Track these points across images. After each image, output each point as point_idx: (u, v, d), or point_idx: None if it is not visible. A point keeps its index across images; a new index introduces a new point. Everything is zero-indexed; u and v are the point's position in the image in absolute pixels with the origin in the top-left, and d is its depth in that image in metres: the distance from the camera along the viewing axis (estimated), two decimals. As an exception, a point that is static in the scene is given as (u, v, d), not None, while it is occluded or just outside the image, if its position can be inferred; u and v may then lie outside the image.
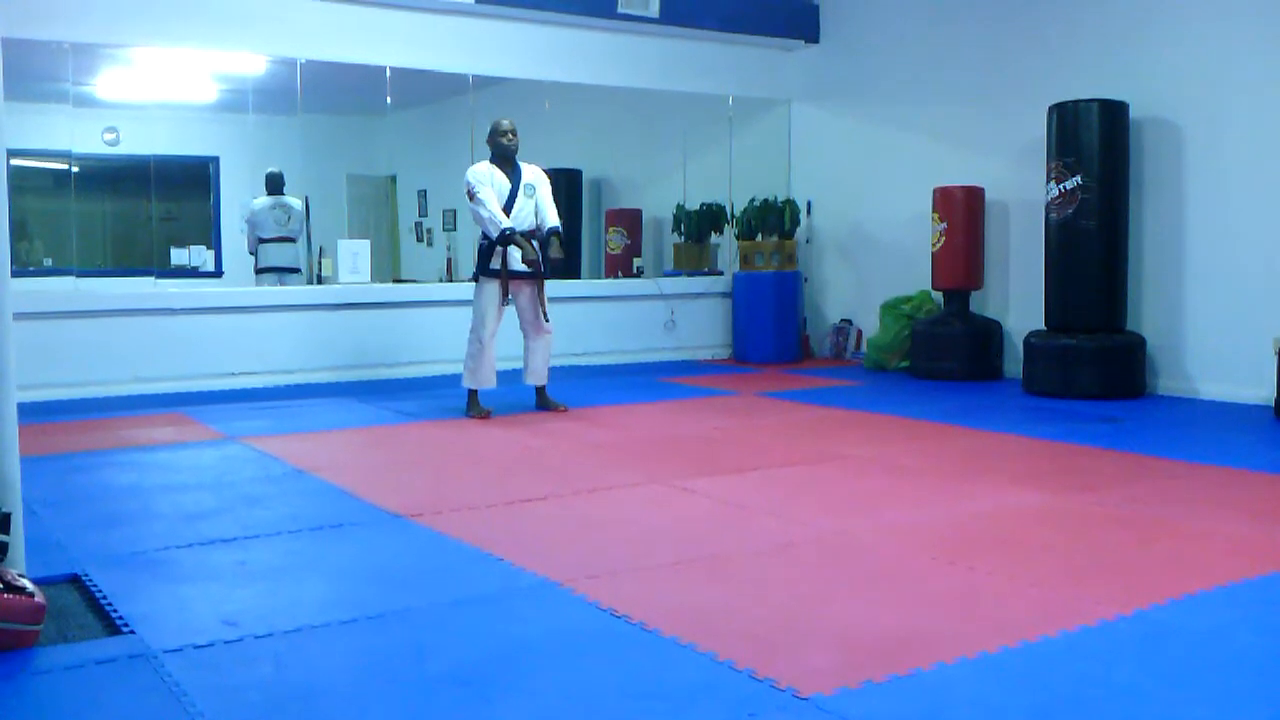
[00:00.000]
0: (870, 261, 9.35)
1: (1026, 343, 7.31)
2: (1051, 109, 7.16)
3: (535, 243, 6.34)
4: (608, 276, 10.35)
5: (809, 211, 9.81)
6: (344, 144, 11.02)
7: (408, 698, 2.36)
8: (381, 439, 5.85)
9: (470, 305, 6.53)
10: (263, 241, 9.44)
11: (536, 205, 6.43)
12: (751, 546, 3.55)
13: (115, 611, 2.92)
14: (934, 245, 8.13)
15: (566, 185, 9.77)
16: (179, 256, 10.45)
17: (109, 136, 10.27)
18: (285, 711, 2.30)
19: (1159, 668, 2.50)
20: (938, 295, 8.42)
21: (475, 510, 4.11)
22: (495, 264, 6.34)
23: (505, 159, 6.40)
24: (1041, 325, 7.35)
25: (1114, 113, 6.98)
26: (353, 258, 8.16)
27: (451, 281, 10.33)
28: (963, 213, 8.01)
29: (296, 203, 9.49)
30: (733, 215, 9.78)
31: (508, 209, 6.30)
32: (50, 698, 2.42)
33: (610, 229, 10.69)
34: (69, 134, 8.08)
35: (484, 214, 6.24)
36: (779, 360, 9.21)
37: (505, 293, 6.37)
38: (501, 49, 8.49)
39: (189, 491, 4.47)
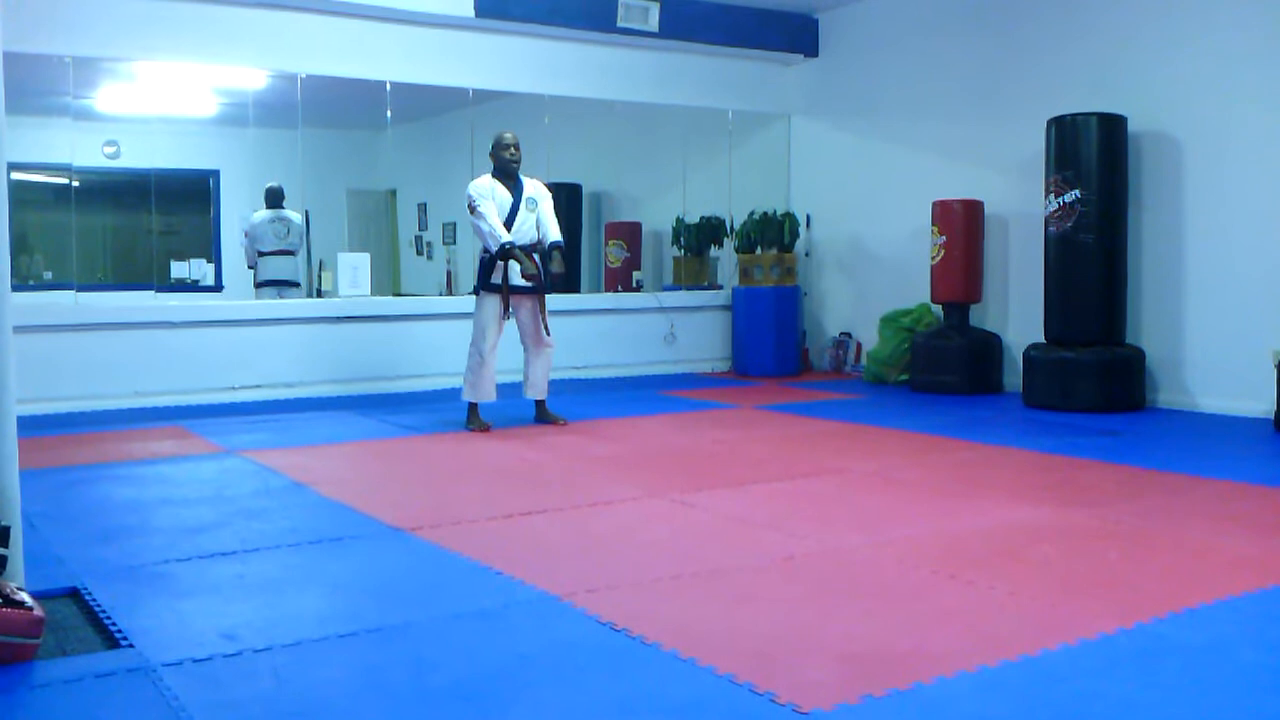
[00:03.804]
0: (869, 275, 9.36)
1: (1026, 356, 7.32)
2: (1050, 123, 7.18)
3: (536, 257, 6.36)
4: (607, 290, 10.36)
5: (808, 225, 9.83)
6: (344, 158, 11.05)
7: (407, 712, 2.36)
8: (381, 452, 5.85)
9: (470, 318, 6.54)
10: (262, 255, 9.46)
11: (538, 220, 6.45)
12: (751, 561, 3.55)
13: (114, 625, 2.91)
14: (933, 258, 8.15)
15: (566, 199, 9.79)
16: (179, 270, 10.47)
17: (109, 150, 10.29)
18: (284, 726, 2.30)
19: (1158, 682, 2.49)
20: (937, 308, 8.43)
21: (475, 524, 4.10)
22: (496, 278, 6.35)
23: (507, 173, 6.42)
24: (1041, 338, 7.35)
25: (1112, 126, 7.00)
26: (353, 271, 8.17)
27: (451, 295, 10.34)
28: (962, 226, 8.03)
29: (296, 216, 9.51)
30: (732, 229, 9.80)
31: (509, 223, 6.31)
32: (49, 711, 2.42)
33: (610, 242, 10.70)
34: (69, 147, 8.10)
35: (485, 228, 6.25)
36: (779, 373, 9.22)
37: (506, 307, 6.38)
38: (501, 63, 8.52)
39: (188, 505, 4.46)
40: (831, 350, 9.69)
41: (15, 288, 3.07)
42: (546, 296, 6.57)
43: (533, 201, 6.44)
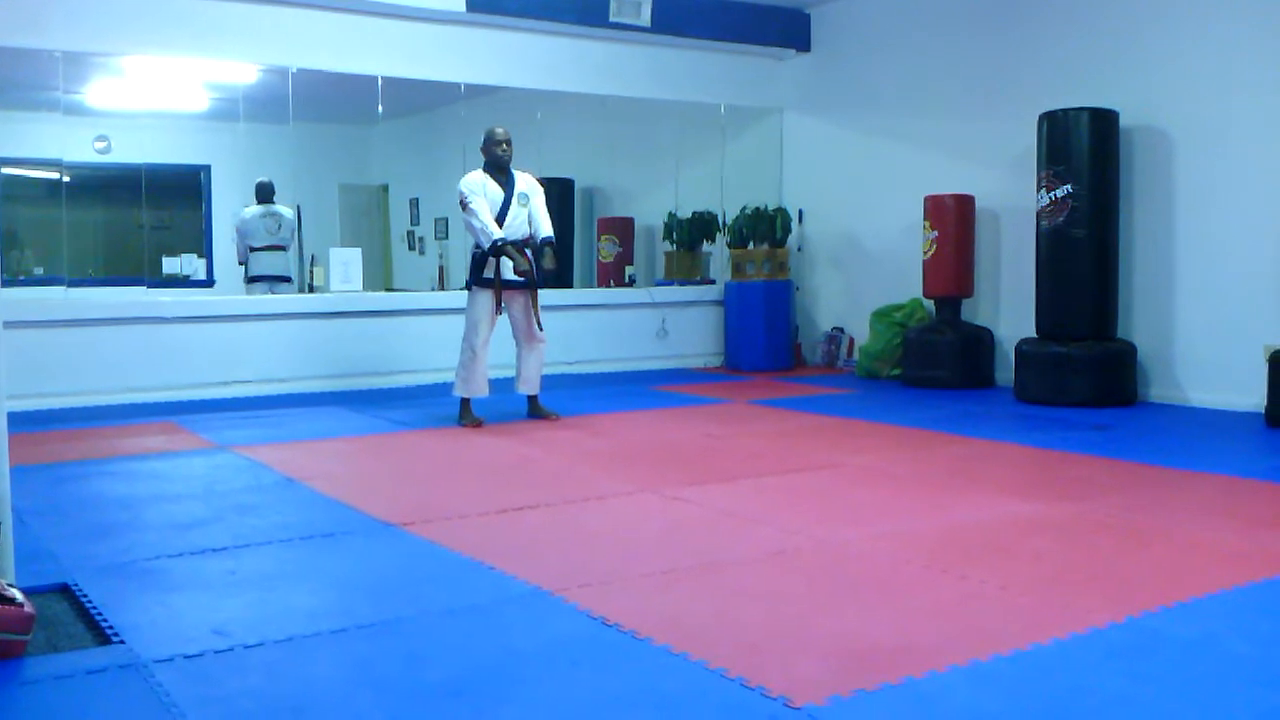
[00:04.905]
0: (862, 269, 9.37)
1: (1018, 350, 7.33)
2: (1042, 117, 7.19)
3: (528, 253, 6.35)
4: (600, 285, 10.35)
5: (800, 220, 9.83)
6: (336, 153, 11.03)
7: (399, 708, 2.35)
8: (373, 448, 5.84)
9: (462, 314, 6.53)
10: (253, 250, 9.45)
11: (530, 214, 6.43)
12: (743, 555, 3.55)
13: (105, 621, 2.91)
14: (925, 253, 8.16)
15: (559, 194, 9.79)
16: (170, 265, 10.44)
17: (100, 145, 10.25)
18: (276, 721, 2.29)
19: (1149, 675, 2.50)
20: (929, 303, 8.44)
21: (467, 519, 4.10)
22: (488, 273, 6.34)
23: (499, 168, 6.40)
24: (1032, 333, 7.36)
25: (1104, 121, 7.00)
26: (344, 266, 8.16)
27: (443, 290, 10.33)
28: (954, 221, 8.03)
29: (287, 211, 9.49)
30: (724, 224, 9.80)
31: (501, 218, 6.30)
32: (39, 708, 2.41)
33: (602, 237, 10.70)
34: (60, 142, 8.07)
35: (476, 224, 6.24)
36: (771, 368, 9.22)
37: (498, 302, 6.37)
38: (493, 58, 8.50)
39: (180, 501, 4.46)
40: (824, 345, 9.69)
41: (5, 283, 3.07)
42: (539, 292, 6.56)
43: (525, 196, 6.43)
